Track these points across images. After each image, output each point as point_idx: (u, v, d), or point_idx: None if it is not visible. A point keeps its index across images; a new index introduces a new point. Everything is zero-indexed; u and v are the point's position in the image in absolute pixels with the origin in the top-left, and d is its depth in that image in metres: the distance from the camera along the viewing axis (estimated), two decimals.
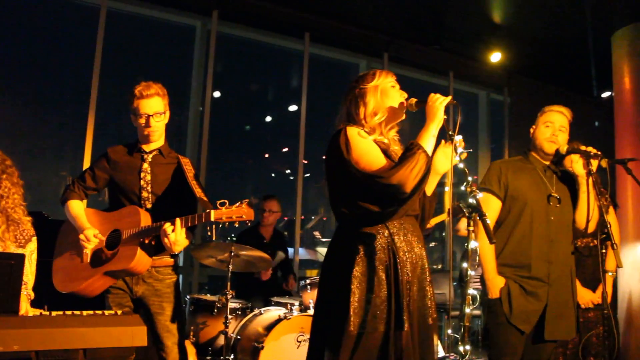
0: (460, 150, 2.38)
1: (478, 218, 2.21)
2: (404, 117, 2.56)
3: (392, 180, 2.19)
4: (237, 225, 2.64)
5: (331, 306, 2.33)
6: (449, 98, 2.36)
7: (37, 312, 2.31)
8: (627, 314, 6.02)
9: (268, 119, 8.06)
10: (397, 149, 2.51)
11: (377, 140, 2.44)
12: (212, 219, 2.65)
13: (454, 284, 7.21)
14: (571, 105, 3.44)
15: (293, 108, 7.03)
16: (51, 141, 5.83)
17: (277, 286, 5.36)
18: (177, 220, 2.70)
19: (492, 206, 3.26)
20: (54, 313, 2.29)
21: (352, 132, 2.38)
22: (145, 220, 2.83)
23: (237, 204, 2.66)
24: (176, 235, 2.69)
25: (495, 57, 7.26)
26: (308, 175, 6.86)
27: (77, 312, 2.34)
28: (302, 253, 6.85)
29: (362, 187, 2.30)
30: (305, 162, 6.74)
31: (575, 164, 3.21)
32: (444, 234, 8.27)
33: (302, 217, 7.73)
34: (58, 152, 5.90)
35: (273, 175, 8.29)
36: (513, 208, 3.22)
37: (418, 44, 7.29)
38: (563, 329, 3.15)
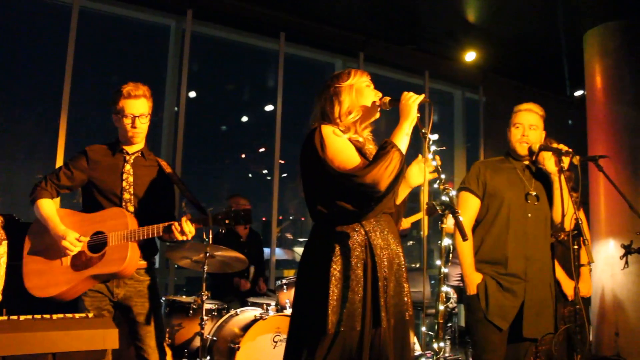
0: (433, 148, 2.39)
1: (451, 215, 2.22)
2: (378, 115, 2.57)
3: (367, 179, 2.20)
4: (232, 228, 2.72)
5: (309, 305, 2.34)
6: (422, 96, 2.37)
7: (3, 317, 2.26)
8: (600, 309, 6.12)
9: (244, 119, 8.03)
10: (371, 148, 2.52)
11: (351, 138, 2.44)
12: (211, 223, 2.74)
13: (432, 282, 7.26)
14: (545, 104, 3.49)
15: (269, 108, 7.00)
16: (23, 142, 5.72)
17: (254, 286, 5.34)
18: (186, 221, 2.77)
19: (471, 205, 3.31)
20: (22, 317, 2.26)
21: (327, 130, 2.39)
22: (132, 223, 2.80)
23: (235, 211, 2.76)
24: (188, 227, 2.77)
25: (470, 56, 7.31)
26: (285, 175, 6.85)
27: (47, 316, 2.31)
28: (279, 253, 6.84)
29: (337, 185, 2.30)
30: (282, 162, 6.72)
31: (547, 161, 3.25)
32: (422, 232, 8.29)
33: (281, 217, 7.72)
34: (30, 153, 5.80)
35: (250, 175, 8.26)
36: (491, 206, 3.27)
37: (393, 44, 7.32)
38: (541, 326, 3.18)
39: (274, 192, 6.59)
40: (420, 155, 2.56)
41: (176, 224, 2.73)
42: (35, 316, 2.30)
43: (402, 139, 2.31)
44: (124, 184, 2.92)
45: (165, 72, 6.34)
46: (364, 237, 2.33)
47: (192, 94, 6.70)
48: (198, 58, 6.71)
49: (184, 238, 2.74)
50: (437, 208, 2.24)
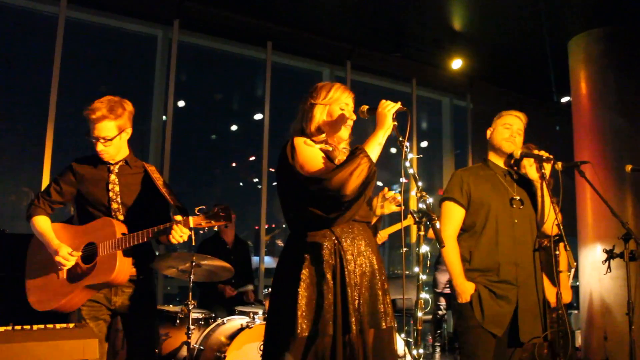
0: (410, 156, 2.40)
1: (428, 223, 2.24)
2: (347, 136, 2.59)
3: (332, 182, 2.22)
4: (216, 229, 2.68)
5: (280, 310, 2.37)
6: (398, 104, 2.38)
7: None
8: (588, 313, 6.15)
9: (234, 127, 8.06)
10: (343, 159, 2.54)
11: (322, 148, 2.50)
12: (191, 225, 2.67)
13: (426, 288, 7.26)
14: (532, 111, 3.52)
15: (258, 117, 7.03)
16: (9, 154, 5.72)
17: (242, 295, 5.34)
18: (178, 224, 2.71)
19: (455, 215, 3.29)
20: (1, 328, 2.26)
21: (298, 141, 2.45)
22: (121, 230, 2.80)
23: (215, 209, 2.69)
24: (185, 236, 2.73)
25: (457, 64, 7.37)
26: (275, 183, 6.85)
27: (27, 327, 2.31)
28: (269, 261, 6.84)
29: (306, 191, 2.33)
30: (272, 170, 6.74)
31: (529, 168, 3.27)
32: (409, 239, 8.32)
33: (274, 226, 7.73)
34: (17, 166, 5.79)
35: (241, 184, 8.28)
36: (478, 215, 3.25)
37: (380, 52, 7.37)
38: (536, 329, 3.19)
39: (262, 200, 6.60)
40: (386, 189, 2.57)
41: (175, 225, 2.70)
42: (16, 327, 2.30)
43: (373, 147, 2.33)
44: (111, 194, 2.93)
45: (153, 81, 6.36)
46: (333, 242, 2.35)
47: (181, 104, 6.72)
48: (186, 67, 6.74)
49: (181, 240, 2.72)
50: (415, 216, 2.25)
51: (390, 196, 2.54)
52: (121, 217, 2.92)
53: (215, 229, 2.74)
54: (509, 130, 3.31)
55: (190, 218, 2.67)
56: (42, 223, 2.93)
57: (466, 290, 3.13)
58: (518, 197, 3.27)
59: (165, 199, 2.87)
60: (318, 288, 2.29)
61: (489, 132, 3.42)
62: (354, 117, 2.57)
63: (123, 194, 2.95)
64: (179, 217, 2.69)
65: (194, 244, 2.79)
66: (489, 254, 3.19)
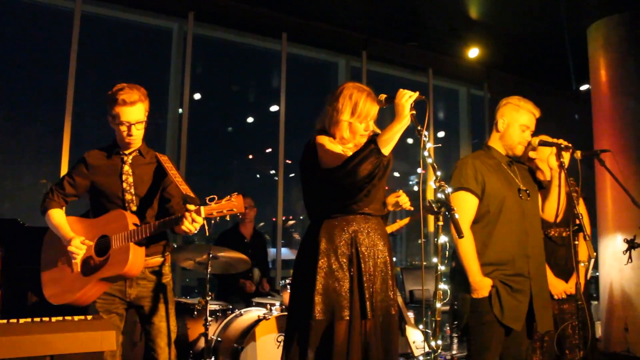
0: (429, 145, 2.37)
1: (447, 213, 2.21)
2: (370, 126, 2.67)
3: (343, 172, 2.35)
4: (228, 219, 2.65)
5: (299, 296, 2.54)
6: (416, 94, 2.36)
7: (2, 321, 2.27)
8: (608, 304, 6.08)
9: (250, 119, 8.06)
10: None
11: (344, 150, 2.59)
12: (203, 215, 2.62)
13: (444, 279, 7.21)
14: (551, 99, 3.47)
15: (274, 108, 7.01)
16: (28, 148, 5.77)
17: (258, 288, 5.36)
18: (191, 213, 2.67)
19: (470, 205, 3.20)
20: (21, 320, 2.28)
21: (322, 139, 2.58)
22: (133, 222, 2.79)
23: (227, 197, 2.63)
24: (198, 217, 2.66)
25: (473, 52, 7.29)
26: (292, 175, 6.85)
27: (46, 319, 2.32)
28: (286, 253, 6.84)
29: (325, 183, 2.49)
30: (289, 162, 6.74)
31: (550, 156, 3.21)
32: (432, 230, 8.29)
33: (290, 217, 7.73)
34: (35, 159, 5.84)
35: (258, 176, 8.29)
36: (492, 206, 3.17)
37: (395, 42, 7.32)
38: (549, 320, 3.16)
39: (279, 192, 6.60)
40: (401, 192, 2.75)
41: (187, 214, 2.65)
42: (34, 319, 2.31)
43: (388, 137, 2.33)
44: (124, 185, 2.92)
45: (169, 74, 6.37)
46: (351, 235, 2.51)
47: (197, 96, 6.73)
48: (202, 60, 6.74)
49: (194, 227, 2.66)
50: (433, 206, 2.23)
51: (402, 203, 2.74)
52: (134, 208, 2.91)
53: (227, 218, 2.69)
54: (525, 133, 3.23)
55: (202, 208, 2.63)
56: (57, 216, 2.93)
57: (484, 286, 3.07)
58: (525, 188, 3.21)
59: (178, 190, 2.82)
60: (335, 276, 2.47)
61: (501, 123, 3.28)
62: (374, 129, 2.65)
63: (137, 185, 2.94)
64: (191, 207, 2.64)
65: (207, 234, 2.76)
66: (504, 246, 3.13)
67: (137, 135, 2.92)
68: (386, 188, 2.73)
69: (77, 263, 2.83)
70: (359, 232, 2.53)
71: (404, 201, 2.73)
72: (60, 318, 2.36)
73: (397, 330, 2.64)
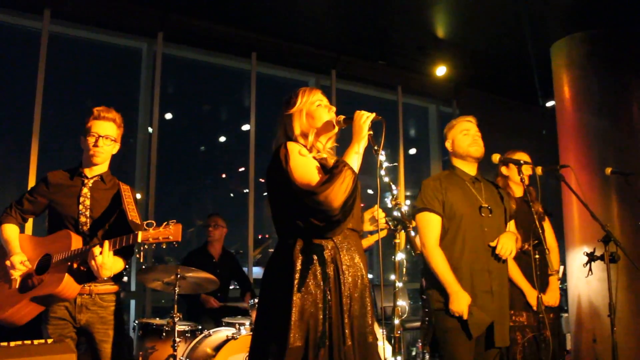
0: (385, 164, 2.41)
1: (403, 230, 2.25)
2: (336, 130, 2.60)
3: (321, 197, 2.23)
4: (164, 247, 2.61)
5: (271, 320, 2.33)
6: (373, 115, 2.41)
7: None
8: (577, 316, 6.15)
9: (222, 139, 8.07)
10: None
11: (316, 157, 2.49)
12: (139, 240, 2.60)
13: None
14: (519, 115, 3.58)
15: (247, 127, 7.03)
16: None
17: (228, 306, 5.32)
18: (105, 243, 2.67)
19: (434, 223, 3.29)
20: None
21: (292, 147, 2.44)
22: (76, 243, 2.79)
23: (164, 224, 2.62)
24: (103, 258, 2.63)
25: (441, 70, 7.39)
26: (266, 194, 6.84)
27: (4, 343, 2.30)
28: (258, 271, 6.82)
29: (300, 201, 2.32)
30: (262, 180, 6.74)
31: (510, 172, 3.30)
32: (408, 246, 8.32)
33: (267, 236, 7.71)
34: (1, 180, 5.77)
35: (232, 195, 8.27)
36: (451, 224, 3.28)
37: (365, 60, 7.39)
38: (507, 336, 3.23)
39: (249, 211, 6.60)
40: (376, 206, 2.59)
41: (95, 248, 2.64)
42: None
43: (353, 159, 2.35)
44: (81, 207, 2.94)
45: (139, 94, 6.36)
46: (331, 252, 2.35)
47: (169, 116, 6.72)
48: (172, 80, 6.75)
49: (98, 269, 2.64)
50: (390, 224, 2.27)
51: (379, 218, 2.57)
52: (87, 231, 2.92)
53: (163, 246, 2.65)
54: (468, 135, 3.35)
55: (140, 233, 2.62)
56: (9, 231, 2.97)
57: (463, 301, 3.11)
58: (487, 205, 3.29)
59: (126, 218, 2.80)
60: (312, 298, 2.28)
61: (448, 144, 3.45)
62: (334, 108, 2.60)
63: (93, 208, 2.96)
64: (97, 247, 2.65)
65: (142, 260, 2.74)
66: (462, 263, 3.21)
67: (102, 150, 2.96)
68: (361, 205, 2.67)
69: (16, 279, 2.81)
70: (339, 250, 2.38)
71: (381, 216, 2.57)
72: (20, 342, 2.35)
73: (376, 358, 2.43)
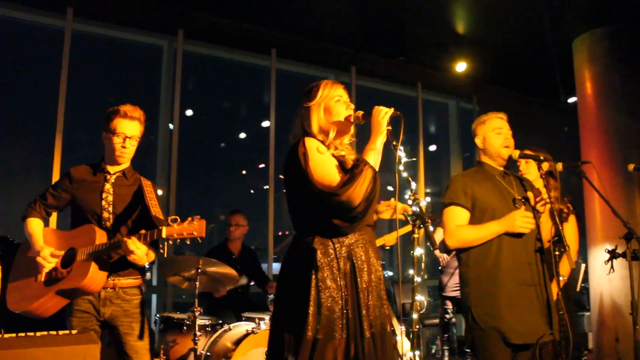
0: (404, 159, 2.41)
1: (422, 226, 2.26)
2: (352, 130, 2.61)
3: (343, 197, 2.25)
4: (188, 242, 2.65)
5: (289, 312, 2.36)
6: (391, 110, 2.41)
7: None
8: (599, 315, 6.10)
9: (242, 135, 8.11)
10: (352, 159, 2.54)
11: (334, 154, 2.49)
12: (164, 235, 2.64)
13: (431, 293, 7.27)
14: (540, 111, 3.52)
15: (266, 124, 7.07)
16: (19, 165, 5.80)
17: (249, 301, 5.36)
18: (130, 239, 2.72)
19: (462, 219, 3.23)
20: (6, 335, 2.31)
21: (310, 143, 2.43)
22: (101, 238, 2.83)
23: (188, 220, 2.65)
24: (137, 250, 2.71)
25: (461, 66, 7.37)
26: (285, 190, 6.87)
27: (30, 334, 2.36)
28: (278, 267, 6.86)
29: (319, 201, 2.34)
30: (282, 177, 6.76)
31: (530, 167, 3.26)
32: (428, 243, 8.30)
33: (287, 233, 7.74)
34: (26, 176, 5.87)
35: (252, 191, 8.32)
36: (483, 217, 3.19)
37: (384, 56, 7.39)
38: (547, 329, 3.12)
39: (269, 208, 6.64)
40: (392, 199, 2.58)
41: (125, 240, 2.73)
42: (19, 334, 2.35)
43: (372, 155, 2.37)
44: (104, 202, 2.98)
45: (160, 91, 6.43)
46: (347, 248, 2.37)
47: (189, 112, 6.78)
48: (193, 76, 6.80)
49: (133, 256, 2.74)
50: (409, 219, 2.27)
51: (400, 208, 2.52)
52: (109, 227, 2.96)
53: (188, 242, 2.70)
54: (501, 135, 3.27)
55: (164, 228, 2.66)
56: (34, 225, 3.02)
57: (514, 217, 3.04)
58: (520, 197, 3.22)
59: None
60: (329, 292, 2.30)
61: (479, 141, 3.34)
62: (353, 106, 2.58)
63: (116, 204, 3.00)
64: (133, 237, 2.72)
65: (165, 255, 2.79)
66: (501, 258, 3.12)
67: (129, 151, 3.01)
68: None
69: (43, 272, 2.87)
70: (355, 245, 2.40)
71: (399, 207, 2.53)
72: (45, 333, 2.40)
73: (392, 348, 2.50)
